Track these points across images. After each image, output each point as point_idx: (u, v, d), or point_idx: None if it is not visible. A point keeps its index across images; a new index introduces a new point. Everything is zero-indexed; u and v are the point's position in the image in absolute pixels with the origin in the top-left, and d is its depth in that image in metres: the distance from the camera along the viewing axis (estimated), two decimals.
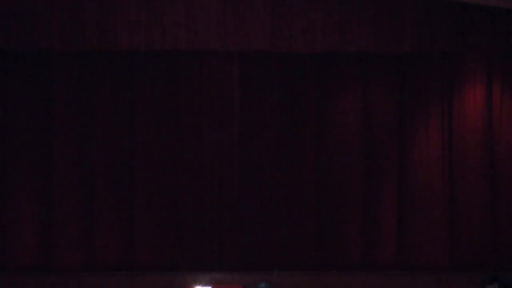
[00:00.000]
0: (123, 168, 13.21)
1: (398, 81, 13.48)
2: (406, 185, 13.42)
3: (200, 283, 12.40)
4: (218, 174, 13.23)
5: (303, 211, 13.30)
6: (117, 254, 13.13)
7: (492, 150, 13.43)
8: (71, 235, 13.08)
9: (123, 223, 13.17)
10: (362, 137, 13.40)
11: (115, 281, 12.92)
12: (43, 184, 13.14)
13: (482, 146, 13.44)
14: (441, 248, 13.33)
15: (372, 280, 13.13)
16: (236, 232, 13.18)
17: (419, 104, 13.50)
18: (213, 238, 13.15)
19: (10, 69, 13.15)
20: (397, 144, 13.45)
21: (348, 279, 13.08)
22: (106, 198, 13.15)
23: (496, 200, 13.42)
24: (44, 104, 13.17)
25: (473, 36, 12.98)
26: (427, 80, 13.48)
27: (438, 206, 13.34)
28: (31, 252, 13.05)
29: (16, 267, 12.99)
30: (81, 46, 12.60)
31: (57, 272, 13.00)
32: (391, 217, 13.36)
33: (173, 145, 13.26)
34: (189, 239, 13.18)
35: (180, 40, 12.63)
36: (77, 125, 13.21)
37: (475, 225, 13.37)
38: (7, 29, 12.48)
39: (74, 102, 13.21)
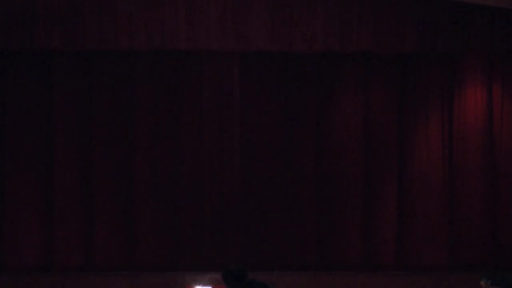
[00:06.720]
0: (123, 168, 13.21)
1: (399, 81, 13.48)
2: (406, 185, 13.43)
3: (200, 283, 12.39)
4: (218, 174, 13.23)
5: (303, 211, 13.30)
6: (117, 254, 13.13)
7: (492, 150, 13.43)
8: (71, 235, 13.08)
9: (123, 223, 13.17)
10: (362, 137, 13.40)
11: (115, 281, 12.92)
12: (43, 184, 13.14)
13: (483, 146, 13.44)
14: (441, 248, 13.33)
15: (372, 280, 13.13)
16: (236, 232, 13.17)
17: (419, 104, 13.49)
18: (213, 238, 13.15)
19: (10, 69, 13.15)
20: (397, 144, 13.45)
21: (348, 279, 13.08)
22: (106, 198, 13.15)
23: (496, 200, 13.42)
24: (44, 104, 13.17)
25: (473, 36, 12.98)
26: (427, 80, 13.47)
27: (438, 206, 13.35)
28: (31, 252, 13.05)
29: (16, 267, 12.99)
30: (81, 46, 12.61)
31: (57, 272, 13.00)
32: (391, 217, 13.36)
33: (173, 145, 13.26)
34: (189, 239, 13.18)
35: (180, 40, 12.63)
36: (77, 125, 13.21)
37: (475, 225, 13.37)
38: (7, 29, 12.47)
39: (74, 102, 13.21)
